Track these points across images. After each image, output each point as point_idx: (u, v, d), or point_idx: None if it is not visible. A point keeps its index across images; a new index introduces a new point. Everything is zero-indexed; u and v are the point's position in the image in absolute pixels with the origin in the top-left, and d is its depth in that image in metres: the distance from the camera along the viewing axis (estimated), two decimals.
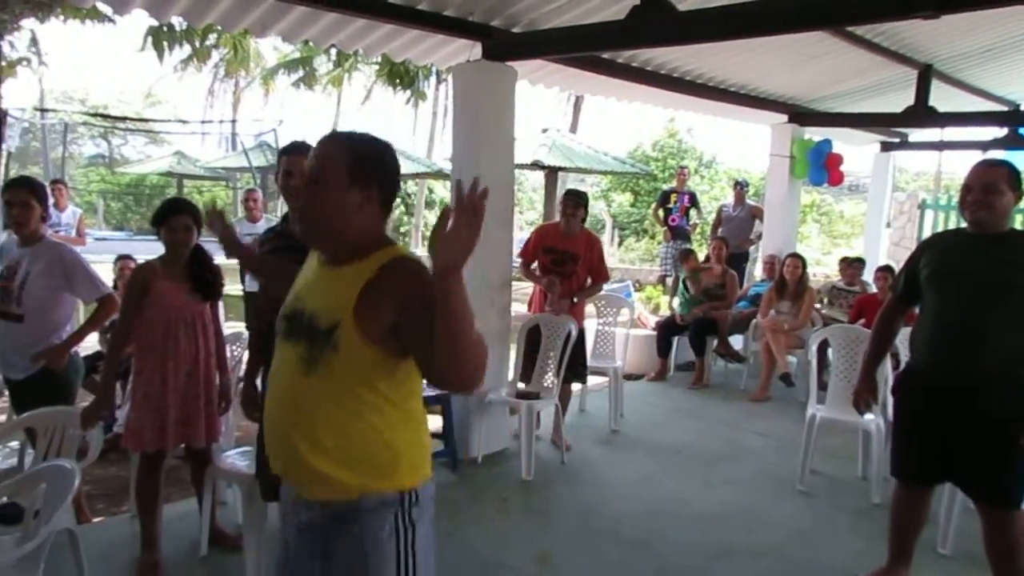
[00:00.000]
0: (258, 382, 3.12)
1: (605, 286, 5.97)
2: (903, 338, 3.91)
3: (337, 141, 1.77)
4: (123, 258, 5.91)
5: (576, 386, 5.62)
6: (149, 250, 3.99)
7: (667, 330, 7.32)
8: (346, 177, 1.69)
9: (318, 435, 1.69)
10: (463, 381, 1.59)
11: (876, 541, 3.53)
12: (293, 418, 1.72)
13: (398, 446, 1.74)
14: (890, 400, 3.93)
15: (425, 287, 1.56)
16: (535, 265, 5.21)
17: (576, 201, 5.12)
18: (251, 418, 3.16)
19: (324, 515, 1.74)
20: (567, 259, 5.08)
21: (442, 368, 1.55)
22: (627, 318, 6.43)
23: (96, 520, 3.99)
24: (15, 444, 3.50)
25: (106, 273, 4.71)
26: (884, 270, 6.63)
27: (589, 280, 5.24)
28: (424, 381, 1.75)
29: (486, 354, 1.58)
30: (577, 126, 21.78)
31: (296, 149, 2.93)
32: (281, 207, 13.08)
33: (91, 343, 4.17)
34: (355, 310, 1.65)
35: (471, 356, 1.54)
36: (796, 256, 6.94)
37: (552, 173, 11.72)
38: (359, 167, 1.71)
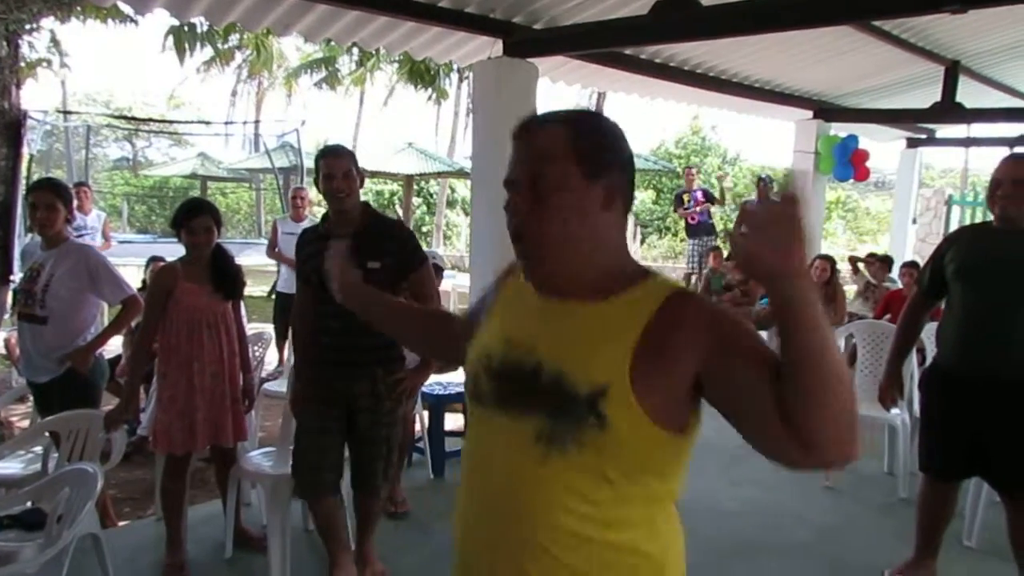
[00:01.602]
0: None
1: None
2: (928, 333, 3.86)
3: (549, 123, 1.26)
4: (155, 260, 5.90)
5: None
6: (173, 252, 4.00)
7: None
8: (578, 166, 1.20)
9: (557, 546, 1.18)
10: (836, 446, 1.03)
11: (902, 536, 3.50)
12: (516, 520, 1.20)
13: (663, 555, 1.26)
14: (916, 395, 3.88)
15: (740, 324, 1.16)
16: None
17: None
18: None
19: None
20: None
21: (802, 428, 1.03)
22: None
23: (122, 523, 4.00)
24: (39, 449, 3.51)
25: (132, 276, 4.73)
26: (909, 266, 6.53)
27: None
28: None
29: (856, 404, 1.05)
30: None
31: (334, 152, 2.95)
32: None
33: (113, 346, 4.18)
34: (633, 366, 1.14)
35: (844, 403, 1.02)
36: (824, 258, 6.81)
37: None
38: (594, 150, 1.22)
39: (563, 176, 1.19)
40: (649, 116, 59.23)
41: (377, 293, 1.71)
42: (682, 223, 10.97)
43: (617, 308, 1.20)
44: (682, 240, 11.75)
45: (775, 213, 0.98)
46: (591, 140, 1.22)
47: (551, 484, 1.17)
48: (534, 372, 1.20)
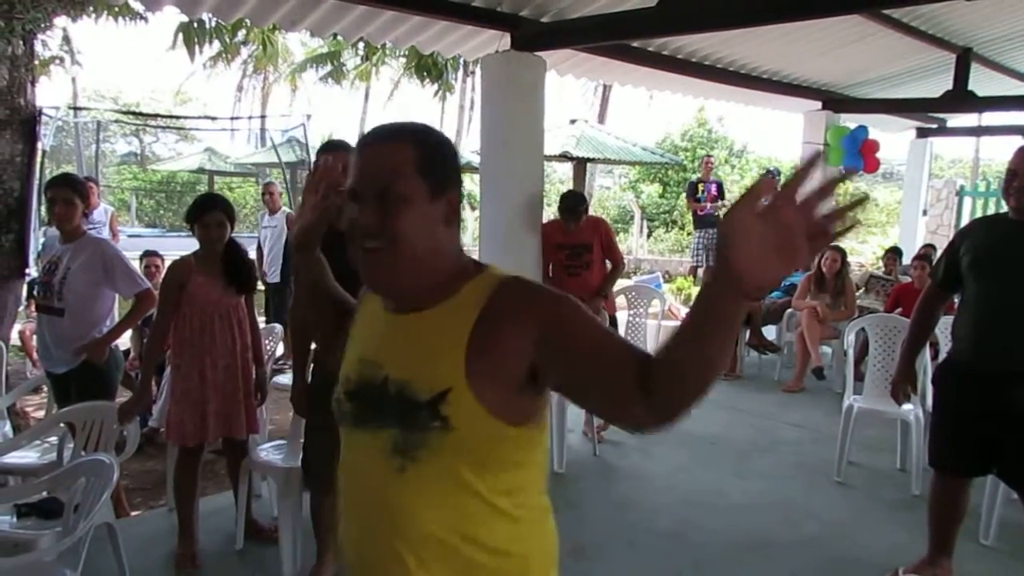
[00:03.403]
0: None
1: (635, 278, 5.91)
2: (942, 327, 3.84)
3: (397, 138, 1.25)
4: (149, 255, 5.92)
5: None
6: (181, 246, 4.02)
7: None
8: (424, 183, 1.21)
9: (423, 554, 1.21)
10: (680, 415, 1.11)
11: (916, 533, 3.47)
12: (383, 536, 1.24)
13: (527, 553, 1.28)
14: (929, 390, 3.86)
15: (566, 306, 1.18)
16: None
17: (580, 206, 4.94)
18: (302, 414, 3.17)
19: None
20: (582, 250, 4.99)
21: (660, 399, 1.10)
22: (658, 309, 6.38)
23: (134, 514, 4.04)
24: (54, 439, 3.55)
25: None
26: (921, 258, 6.50)
27: (608, 264, 5.15)
28: None
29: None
30: (605, 117, 21.64)
31: (334, 147, 2.96)
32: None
33: (122, 340, 4.22)
34: (468, 366, 1.17)
35: (707, 388, 1.08)
36: (836, 249, 6.75)
37: (581, 164, 11.65)
38: (434, 167, 1.24)
39: (412, 193, 1.20)
40: (654, 108, 58.87)
41: (321, 259, 1.59)
42: (689, 215, 10.97)
43: (450, 311, 1.22)
44: (689, 234, 11.72)
45: (790, 218, 0.92)
46: (436, 158, 1.25)
47: (411, 493, 1.21)
48: (382, 386, 1.24)
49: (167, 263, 3.91)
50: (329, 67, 22.88)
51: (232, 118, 24.24)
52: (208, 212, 3.29)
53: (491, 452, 1.21)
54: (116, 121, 24.42)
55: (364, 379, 1.29)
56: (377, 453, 1.24)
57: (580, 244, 4.99)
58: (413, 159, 1.21)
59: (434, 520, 1.21)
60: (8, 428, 4.04)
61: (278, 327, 4.56)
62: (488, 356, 1.17)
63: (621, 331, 6.11)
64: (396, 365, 1.24)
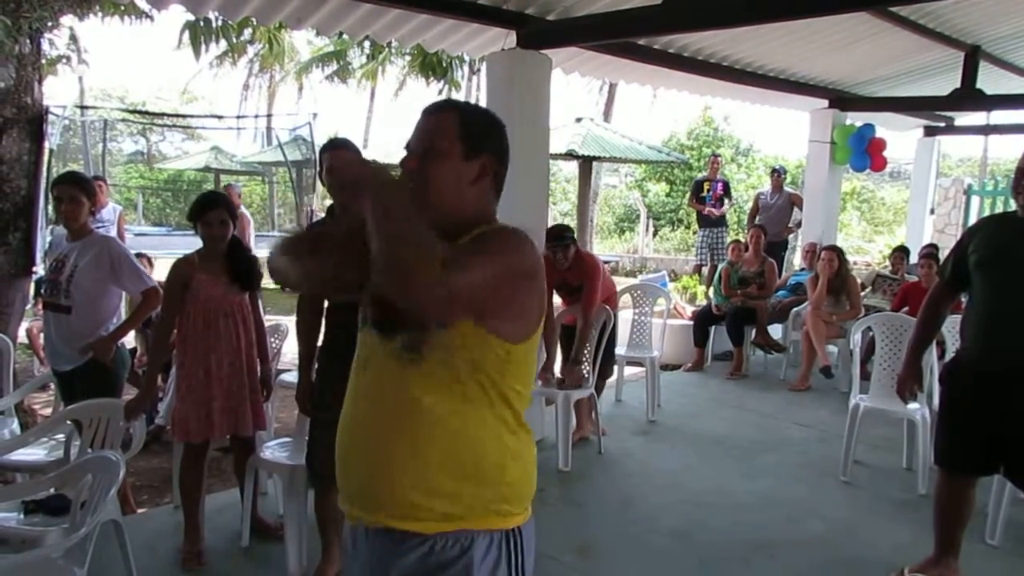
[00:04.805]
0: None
1: (640, 276, 5.85)
2: (949, 326, 3.83)
3: (445, 109, 1.60)
4: (138, 256, 5.91)
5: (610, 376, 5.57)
6: (188, 244, 4.03)
7: (704, 320, 7.23)
8: (459, 145, 1.53)
9: (419, 440, 1.47)
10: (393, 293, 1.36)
11: (922, 532, 3.46)
12: (387, 419, 1.50)
13: (507, 466, 1.52)
14: (936, 389, 3.85)
15: (491, 240, 1.49)
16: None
17: (565, 246, 4.76)
18: (306, 412, 3.17)
19: (418, 555, 1.48)
20: (580, 288, 4.87)
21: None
22: (663, 308, 6.37)
23: (140, 511, 4.05)
24: (61, 436, 3.56)
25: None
26: (927, 257, 6.47)
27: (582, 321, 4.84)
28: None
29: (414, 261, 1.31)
30: (610, 115, 21.62)
31: (337, 145, 2.98)
32: (315, 201, 13.19)
33: (128, 338, 4.24)
34: None
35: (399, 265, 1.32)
36: (831, 249, 6.73)
37: (586, 163, 11.65)
38: (472, 134, 1.55)
39: (448, 150, 1.52)
40: (660, 107, 58.77)
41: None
42: (695, 214, 10.97)
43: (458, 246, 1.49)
44: (695, 232, 11.71)
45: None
46: (476, 127, 1.57)
47: (414, 382, 1.47)
48: None
49: (159, 264, 3.92)
50: (335, 66, 22.95)
51: (238, 117, 24.22)
52: (210, 210, 3.30)
53: (475, 355, 1.46)
54: (123, 120, 24.43)
55: None
56: (388, 349, 1.50)
57: (576, 283, 4.86)
58: (455, 124, 1.54)
59: (428, 410, 1.46)
60: (16, 425, 4.05)
61: (283, 325, 4.56)
62: None
63: (625, 330, 6.09)
64: None
